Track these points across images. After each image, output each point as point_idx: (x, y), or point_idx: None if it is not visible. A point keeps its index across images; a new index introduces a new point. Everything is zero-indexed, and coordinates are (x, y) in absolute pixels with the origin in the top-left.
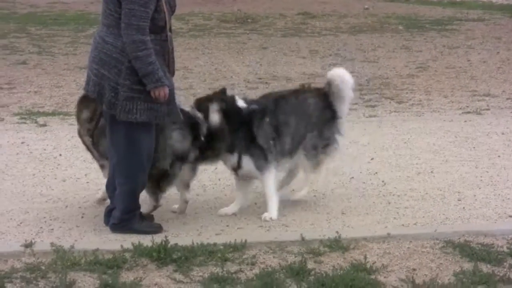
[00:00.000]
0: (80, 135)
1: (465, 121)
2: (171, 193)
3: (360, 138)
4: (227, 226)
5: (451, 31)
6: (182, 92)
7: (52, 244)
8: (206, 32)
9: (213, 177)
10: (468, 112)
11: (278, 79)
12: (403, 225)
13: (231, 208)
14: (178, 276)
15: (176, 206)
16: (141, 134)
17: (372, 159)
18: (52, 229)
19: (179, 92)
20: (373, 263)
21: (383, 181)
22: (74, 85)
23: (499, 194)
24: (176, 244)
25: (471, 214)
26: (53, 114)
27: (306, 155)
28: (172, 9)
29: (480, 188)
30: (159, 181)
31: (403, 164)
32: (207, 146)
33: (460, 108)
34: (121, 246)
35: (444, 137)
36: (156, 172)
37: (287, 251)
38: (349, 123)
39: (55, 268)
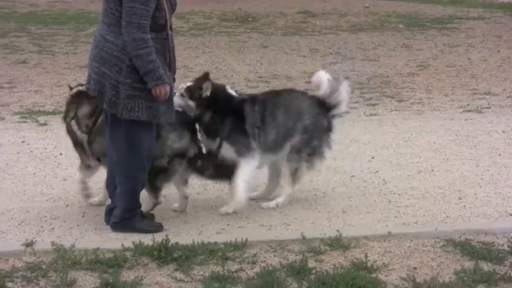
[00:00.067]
0: (70, 131)
1: (466, 120)
2: (171, 192)
3: (361, 137)
4: (228, 225)
5: (451, 30)
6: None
7: (53, 243)
8: (206, 31)
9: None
10: (469, 111)
11: (279, 78)
12: (404, 223)
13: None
14: (179, 275)
15: (176, 205)
16: (141, 133)
17: (372, 157)
18: (53, 228)
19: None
20: (374, 262)
21: (383, 180)
22: (75, 84)
23: (499, 193)
24: (177, 243)
25: (472, 212)
26: (53, 113)
27: (288, 156)
28: (172, 8)
29: (481, 187)
30: (158, 177)
31: (404, 162)
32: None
33: (461, 107)
34: (122, 245)
35: (444, 136)
36: (155, 169)
37: (288, 249)
38: (349, 121)
39: (56, 267)
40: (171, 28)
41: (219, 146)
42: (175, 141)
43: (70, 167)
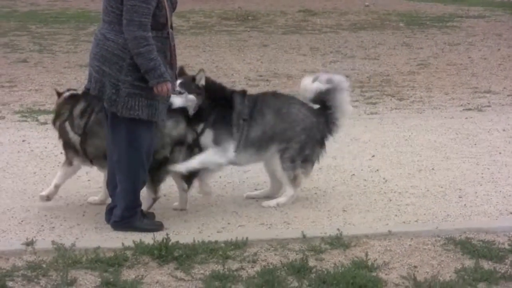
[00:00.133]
0: (63, 133)
1: (466, 118)
2: (172, 191)
3: (361, 135)
4: (228, 223)
5: (452, 28)
6: None
7: (53, 242)
8: (207, 30)
9: (214, 174)
10: (469, 109)
11: (279, 77)
12: (404, 222)
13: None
14: (179, 274)
15: (176, 203)
16: (141, 131)
17: (373, 156)
18: (53, 227)
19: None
20: (374, 260)
21: (384, 178)
22: (75, 82)
23: (500, 191)
24: (177, 242)
25: (472, 211)
26: (54, 112)
27: (282, 165)
28: (173, 6)
29: (481, 185)
30: (159, 170)
31: (404, 161)
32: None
33: (461, 105)
34: (122, 244)
35: (445, 134)
36: (156, 161)
37: (288, 248)
38: (350, 120)
39: (56, 266)
40: (171, 27)
41: (201, 132)
42: (173, 128)
43: None
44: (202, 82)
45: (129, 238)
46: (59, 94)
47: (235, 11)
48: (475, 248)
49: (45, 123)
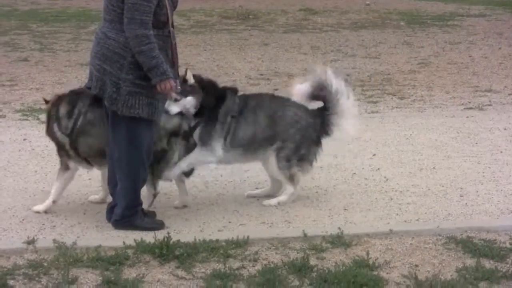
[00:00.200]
0: (53, 135)
1: (467, 117)
2: (172, 190)
3: (362, 134)
4: (229, 222)
5: (452, 27)
6: None
7: (54, 240)
8: (207, 29)
9: (215, 173)
10: (470, 108)
11: (280, 75)
12: (405, 221)
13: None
14: (180, 272)
15: (177, 202)
16: (142, 129)
17: (374, 155)
18: (55, 226)
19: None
20: (375, 259)
21: (385, 177)
22: (76, 81)
23: (501, 190)
24: (178, 241)
25: (474, 210)
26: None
27: (278, 164)
28: (174, 5)
29: (482, 184)
30: (158, 164)
31: (405, 160)
32: None
33: (462, 104)
34: (123, 242)
35: (446, 133)
36: (154, 155)
37: (289, 247)
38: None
39: (57, 264)
40: (172, 26)
41: (194, 127)
42: (167, 121)
43: None
44: (192, 80)
45: (130, 237)
46: (46, 102)
47: (235, 10)
48: (476, 247)
49: None
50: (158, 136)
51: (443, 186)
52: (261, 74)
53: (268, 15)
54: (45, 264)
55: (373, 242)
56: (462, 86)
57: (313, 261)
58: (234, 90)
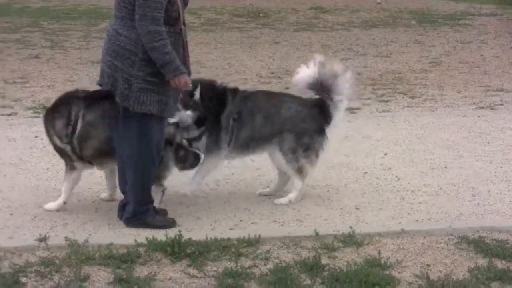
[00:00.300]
0: (57, 147)
1: (479, 116)
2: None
3: (374, 133)
4: (241, 221)
5: (464, 26)
6: None
7: (66, 238)
8: (218, 27)
9: (226, 171)
10: (482, 107)
11: (291, 74)
12: (417, 220)
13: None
14: (192, 271)
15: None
16: (153, 126)
17: (385, 154)
18: (66, 223)
19: None
20: (387, 259)
21: (396, 177)
22: (87, 79)
23: None
24: (190, 239)
25: (486, 209)
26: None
27: (285, 158)
28: (185, 2)
29: (494, 184)
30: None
31: (417, 159)
32: None
33: (474, 103)
34: (135, 240)
35: (457, 132)
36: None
37: (301, 246)
38: (362, 118)
39: (69, 262)
40: (184, 24)
41: (200, 136)
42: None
43: None
44: (197, 96)
45: (141, 235)
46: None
47: (246, 8)
48: (488, 247)
49: None
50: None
51: (455, 185)
52: (272, 73)
53: (278, 14)
54: (57, 261)
55: (384, 242)
56: (474, 86)
57: (324, 260)
58: (234, 91)
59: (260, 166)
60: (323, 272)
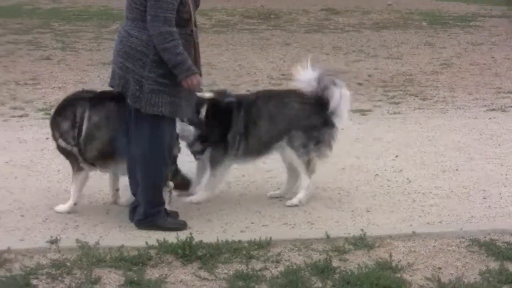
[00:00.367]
0: (62, 150)
1: (490, 118)
2: None
3: (384, 135)
4: (252, 223)
5: (475, 28)
6: (206, 88)
7: (77, 240)
8: (229, 28)
9: (237, 173)
10: (493, 109)
11: None
12: (428, 223)
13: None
14: (203, 273)
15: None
16: (164, 127)
17: (396, 156)
18: (77, 226)
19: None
20: (398, 262)
21: (407, 179)
22: (98, 80)
23: None
24: (200, 241)
25: (497, 212)
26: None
27: (296, 153)
28: (196, 3)
29: (505, 186)
30: None
31: (428, 161)
32: None
33: (485, 105)
34: (146, 242)
35: (468, 135)
36: None
37: (312, 248)
38: (373, 120)
39: (80, 264)
40: (195, 25)
41: (202, 151)
42: None
43: None
44: (203, 114)
45: (153, 237)
46: None
47: (257, 10)
48: (500, 249)
49: None
50: None
51: (466, 188)
52: (283, 74)
53: (289, 15)
54: (68, 263)
55: (396, 244)
56: (485, 88)
57: (335, 263)
58: (238, 104)
59: (271, 168)
60: (334, 274)
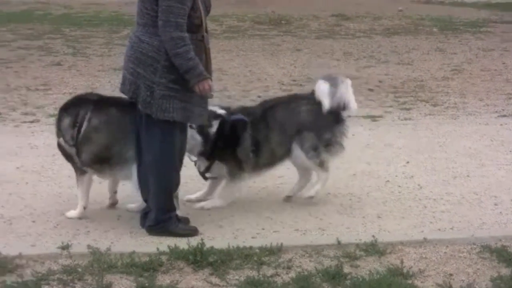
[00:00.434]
0: (61, 148)
1: (501, 125)
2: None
3: (395, 141)
4: (263, 229)
5: (485, 33)
6: (217, 94)
7: (88, 246)
8: (240, 34)
9: (248, 180)
10: (504, 116)
11: (312, 81)
12: (439, 229)
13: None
14: (214, 279)
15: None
16: (175, 133)
17: (407, 162)
18: (89, 231)
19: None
20: (409, 268)
21: (419, 185)
22: (109, 86)
23: None
24: (212, 247)
25: (508, 219)
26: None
27: (306, 155)
28: (207, 9)
29: None
30: None
31: (439, 167)
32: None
33: (496, 112)
34: (157, 248)
35: (480, 141)
36: None
37: (323, 255)
38: (384, 126)
39: (91, 270)
40: (206, 31)
41: (207, 168)
42: None
43: None
44: (212, 133)
45: (164, 243)
46: None
47: (268, 15)
48: (511, 256)
49: None
50: None
51: (477, 194)
52: (294, 80)
53: (300, 21)
54: (79, 269)
55: (407, 251)
56: (496, 93)
57: (347, 269)
58: (243, 125)
59: (282, 174)
60: (345, 281)
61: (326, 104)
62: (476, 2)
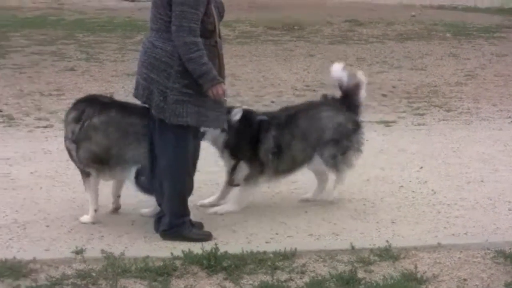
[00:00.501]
0: (66, 144)
1: None
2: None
3: (409, 147)
4: (277, 234)
5: (499, 39)
6: (230, 99)
7: (102, 251)
8: (253, 39)
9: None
10: None
11: (326, 87)
12: (453, 234)
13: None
14: (228, 284)
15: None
16: (189, 138)
17: (421, 167)
18: (103, 236)
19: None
20: (423, 273)
21: (432, 190)
22: (122, 91)
23: None
24: (226, 252)
25: None
26: None
27: (325, 164)
28: (220, 15)
29: None
30: None
31: (453, 173)
32: None
33: (509, 117)
34: (171, 253)
35: (493, 146)
36: None
37: (337, 259)
38: (397, 131)
39: (105, 275)
40: (220, 36)
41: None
42: None
43: None
44: (236, 118)
45: (178, 248)
46: None
47: (281, 21)
48: None
49: None
50: None
51: (491, 199)
52: (307, 86)
53: (313, 26)
54: (94, 274)
55: (421, 256)
56: (509, 99)
57: (361, 274)
58: (267, 123)
59: (296, 179)
60: (359, 286)
61: (344, 78)
62: (489, 8)
